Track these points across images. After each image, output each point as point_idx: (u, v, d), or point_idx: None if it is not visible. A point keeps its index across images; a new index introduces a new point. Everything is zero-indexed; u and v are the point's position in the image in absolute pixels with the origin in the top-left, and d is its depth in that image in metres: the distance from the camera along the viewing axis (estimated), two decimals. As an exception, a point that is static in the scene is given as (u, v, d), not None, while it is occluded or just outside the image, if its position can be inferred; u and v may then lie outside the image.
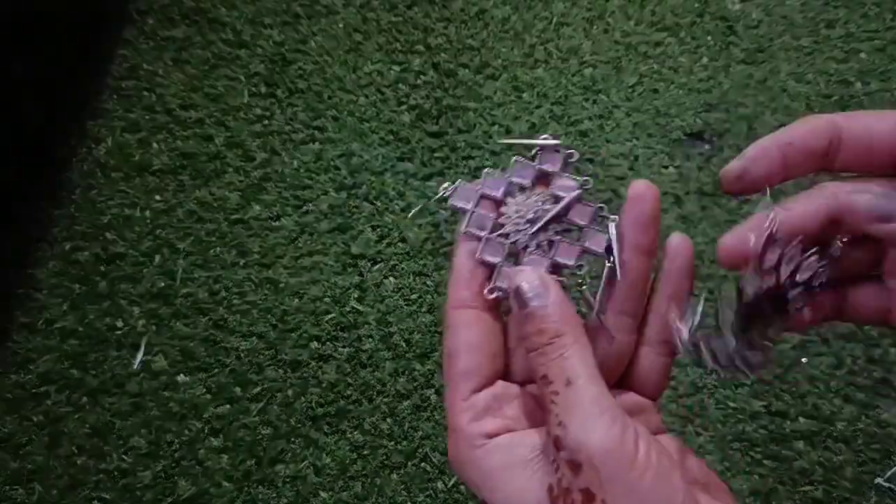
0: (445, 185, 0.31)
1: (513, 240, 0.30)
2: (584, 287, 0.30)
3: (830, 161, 0.29)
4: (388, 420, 0.84)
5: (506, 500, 0.26)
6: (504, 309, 0.30)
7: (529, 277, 0.27)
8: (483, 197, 0.31)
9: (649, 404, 0.31)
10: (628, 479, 0.24)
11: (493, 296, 0.29)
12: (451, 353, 0.29)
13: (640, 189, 0.29)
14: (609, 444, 0.24)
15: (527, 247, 0.30)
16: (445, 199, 0.31)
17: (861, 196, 0.28)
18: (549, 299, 0.27)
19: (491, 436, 0.27)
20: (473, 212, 0.30)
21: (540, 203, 0.30)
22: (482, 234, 0.30)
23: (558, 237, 0.30)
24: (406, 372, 0.86)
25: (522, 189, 0.31)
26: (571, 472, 0.24)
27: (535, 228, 0.30)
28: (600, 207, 0.30)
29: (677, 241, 0.30)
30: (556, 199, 0.30)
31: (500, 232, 0.30)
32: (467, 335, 0.29)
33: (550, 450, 0.26)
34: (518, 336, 0.29)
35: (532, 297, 0.27)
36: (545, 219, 0.30)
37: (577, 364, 0.26)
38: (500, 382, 0.29)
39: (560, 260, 0.30)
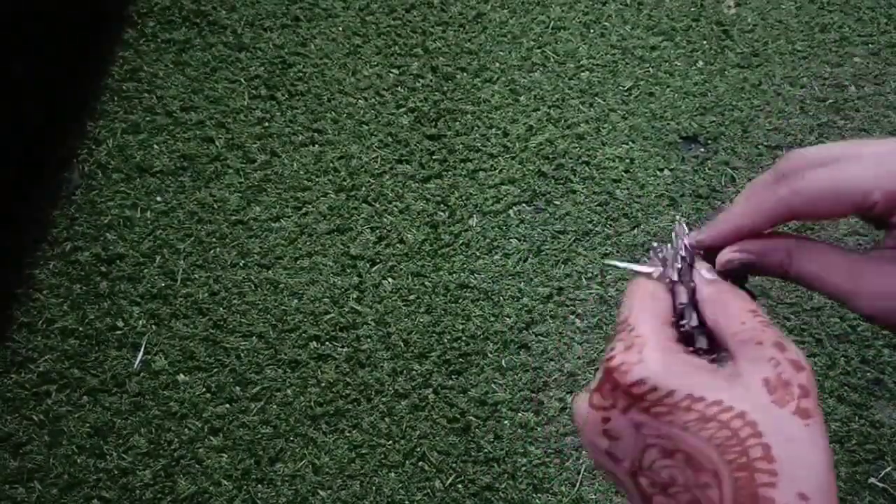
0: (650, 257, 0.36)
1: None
2: None
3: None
4: (387, 419, 0.85)
5: (721, 390, 0.27)
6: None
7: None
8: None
9: None
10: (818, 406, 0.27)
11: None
12: (654, 293, 0.32)
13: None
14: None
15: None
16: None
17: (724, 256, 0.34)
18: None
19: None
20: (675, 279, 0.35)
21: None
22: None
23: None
24: (404, 372, 0.87)
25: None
26: (795, 370, 0.28)
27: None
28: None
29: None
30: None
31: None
32: (666, 292, 0.33)
33: (769, 352, 0.28)
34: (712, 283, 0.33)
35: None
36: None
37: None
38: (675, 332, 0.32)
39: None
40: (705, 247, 0.34)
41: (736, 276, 0.34)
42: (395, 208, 0.96)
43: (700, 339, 0.31)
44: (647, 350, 0.29)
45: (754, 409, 0.27)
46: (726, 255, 0.33)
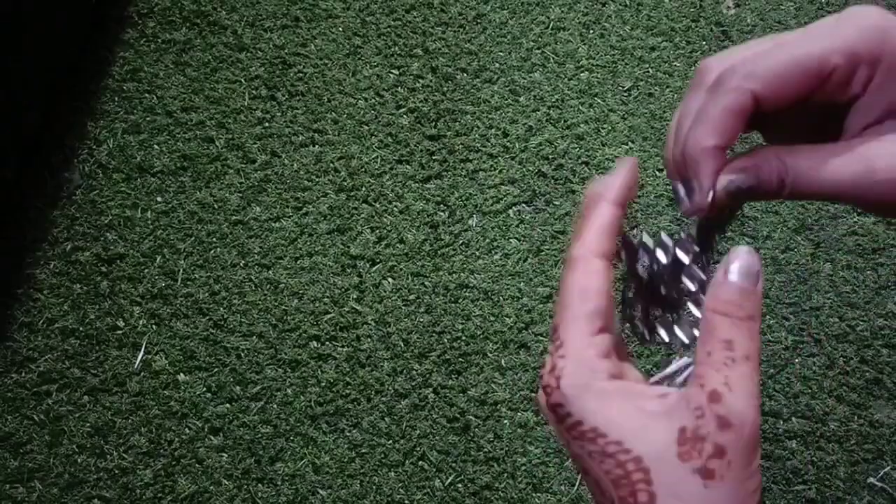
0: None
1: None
2: None
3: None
4: (387, 419, 0.85)
5: (625, 432, 0.27)
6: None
7: (750, 260, 0.29)
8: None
9: None
10: (750, 457, 0.26)
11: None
12: (584, 290, 0.30)
13: None
14: (757, 420, 0.27)
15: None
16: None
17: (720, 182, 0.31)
18: (758, 286, 0.29)
19: (614, 377, 0.28)
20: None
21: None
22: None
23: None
24: (404, 371, 0.87)
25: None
26: (717, 427, 0.26)
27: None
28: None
29: None
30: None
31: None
32: (599, 281, 0.30)
33: (700, 399, 0.27)
34: (713, 297, 0.30)
35: (746, 274, 0.29)
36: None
37: (756, 348, 0.28)
38: (615, 338, 0.30)
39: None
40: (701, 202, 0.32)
41: (732, 208, 0.32)
42: (395, 208, 0.96)
43: (661, 330, 0.31)
44: (565, 377, 0.28)
45: (652, 457, 0.27)
46: (723, 180, 0.31)
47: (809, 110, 0.32)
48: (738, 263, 0.29)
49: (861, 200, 0.29)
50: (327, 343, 0.89)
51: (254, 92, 1.04)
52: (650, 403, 0.28)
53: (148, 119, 1.02)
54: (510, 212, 0.97)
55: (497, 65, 1.07)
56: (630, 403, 0.28)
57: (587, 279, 0.30)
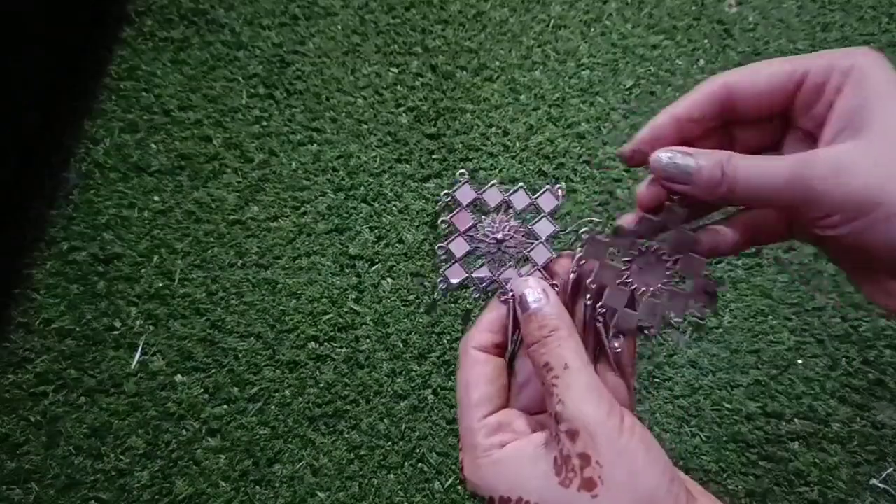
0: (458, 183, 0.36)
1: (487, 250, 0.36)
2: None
3: (727, 118, 0.32)
4: (386, 420, 0.84)
5: (520, 488, 0.29)
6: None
7: (532, 285, 0.33)
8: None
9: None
10: (618, 444, 0.28)
11: (503, 299, 0.35)
12: (469, 384, 0.33)
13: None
14: (600, 416, 0.28)
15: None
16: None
17: (656, 155, 0.32)
18: (549, 302, 0.32)
19: (502, 445, 0.31)
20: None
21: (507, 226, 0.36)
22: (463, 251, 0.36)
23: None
24: (403, 372, 0.87)
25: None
26: (570, 441, 0.28)
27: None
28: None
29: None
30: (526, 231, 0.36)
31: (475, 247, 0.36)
32: (483, 370, 0.33)
33: (552, 426, 0.30)
34: (523, 334, 0.33)
35: (533, 301, 0.32)
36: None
37: (572, 353, 0.31)
38: (507, 409, 0.33)
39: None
40: (637, 150, 0.33)
41: (671, 210, 0.33)
42: (394, 208, 0.96)
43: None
44: (465, 468, 0.32)
45: (547, 497, 0.29)
46: (660, 153, 0.32)
47: (794, 130, 0.33)
48: (522, 297, 0.33)
49: (796, 203, 0.29)
50: (326, 344, 0.88)
51: (252, 90, 1.03)
52: (529, 448, 0.30)
53: (145, 118, 1.01)
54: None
55: (497, 63, 1.06)
56: (518, 459, 0.30)
57: (469, 372, 0.33)
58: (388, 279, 0.92)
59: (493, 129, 1.01)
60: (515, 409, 0.34)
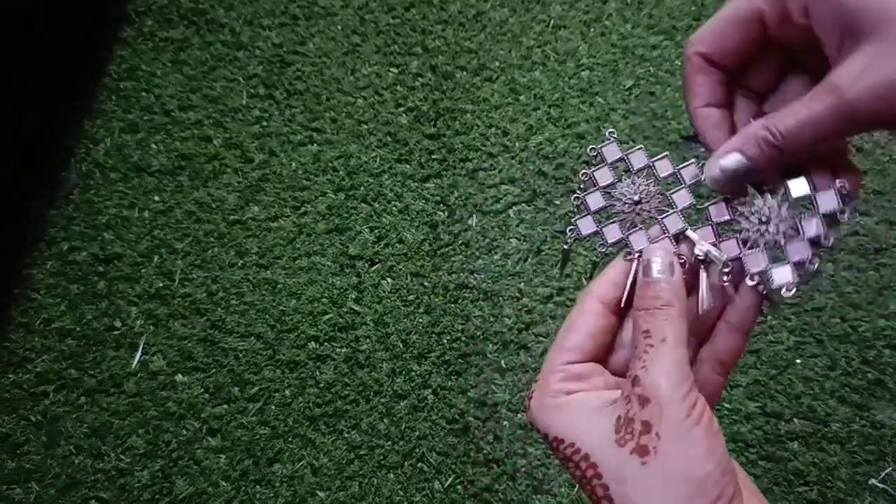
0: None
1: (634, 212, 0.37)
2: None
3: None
4: (385, 420, 0.85)
5: (576, 434, 0.31)
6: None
7: (662, 256, 0.34)
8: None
9: None
10: (681, 425, 0.28)
11: (628, 258, 0.36)
12: (572, 327, 0.34)
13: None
14: (675, 394, 0.29)
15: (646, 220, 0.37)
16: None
17: (709, 173, 0.34)
18: (671, 277, 0.33)
19: (570, 393, 0.32)
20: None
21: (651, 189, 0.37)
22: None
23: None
24: (403, 372, 0.87)
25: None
26: (640, 405, 0.29)
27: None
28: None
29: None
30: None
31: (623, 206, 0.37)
32: (588, 319, 0.34)
33: (627, 387, 0.30)
34: (636, 298, 0.34)
35: (657, 270, 0.33)
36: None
37: (675, 329, 0.31)
38: (593, 364, 0.34)
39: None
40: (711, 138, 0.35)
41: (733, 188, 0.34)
42: (394, 208, 0.96)
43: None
44: (535, 396, 0.33)
45: (598, 450, 0.30)
46: (708, 174, 0.33)
47: (785, 63, 0.34)
48: (648, 263, 0.33)
49: (849, 125, 0.29)
50: (326, 344, 0.88)
51: (252, 91, 1.03)
52: (596, 402, 0.31)
53: (145, 118, 1.01)
54: (510, 211, 0.96)
55: (497, 63, 1.06)
56: (581, 408, 0.31)
57: (579, 317, 0.34)
58: (388, 279, 0.92)
59: (493, 129, 1.01)
60: (601, 367, 0.35)
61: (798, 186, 0.33)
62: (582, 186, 0.37)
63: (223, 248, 0.93)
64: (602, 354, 0.35)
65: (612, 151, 0.37)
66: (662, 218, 0.36)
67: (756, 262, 0.34)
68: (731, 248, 0.34)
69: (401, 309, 0.90)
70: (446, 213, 0.96)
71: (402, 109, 1.02)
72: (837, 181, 0.33)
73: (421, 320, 0.89)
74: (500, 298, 0.91)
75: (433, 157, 0.99)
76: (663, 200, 0.36)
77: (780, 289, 0.33)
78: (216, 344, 0.88)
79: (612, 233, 0.36)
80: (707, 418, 0.29)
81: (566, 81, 1.05)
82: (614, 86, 1.05)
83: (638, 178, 0.36)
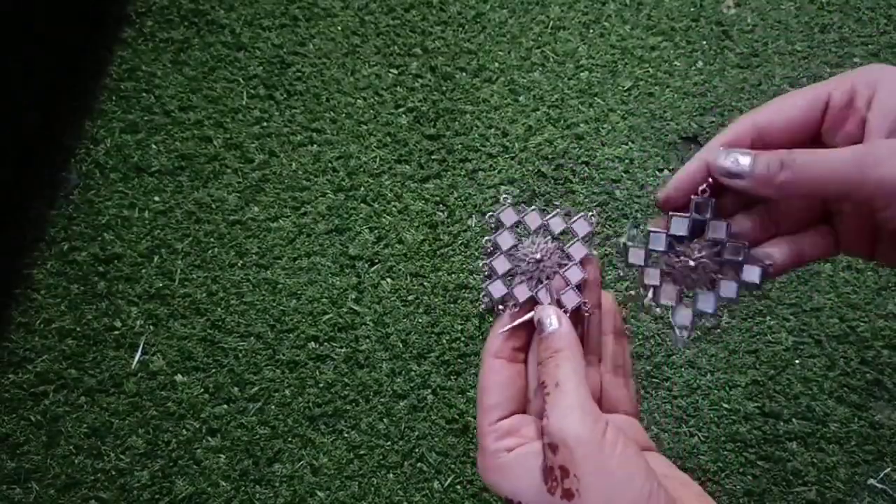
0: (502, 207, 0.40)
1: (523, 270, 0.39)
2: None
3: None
4: (385, 420, 0.85)
5: (517, 488, 0.32)
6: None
7: (550, 313, 0.36)
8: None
9: (635, 422, 0.39)
10: (597, 459, 0.30)
11: (513, 311, 0.38)
12: (484, 389, 0.36)
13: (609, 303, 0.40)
14: (581, 431, 0.30)
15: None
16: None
17: (716, 156, 0.35)
18: (559, 327, 0.35)
19: (510, 450, 0.34)
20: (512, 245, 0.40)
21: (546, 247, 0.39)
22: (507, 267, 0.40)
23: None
24: (403, 372, 0.87)
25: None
26: (553, 452, 0.31)
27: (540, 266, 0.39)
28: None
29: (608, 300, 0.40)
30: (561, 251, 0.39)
31: (514, 267, 0.39)
32: (494, 377, 0.36)
33: (543, 438, 0.32)
34: (537, 352, 0.36)
35: (548, 326, 0.35)
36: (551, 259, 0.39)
37: (566, 373, 0.33)
38: (519, 415, 0.36)
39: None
40: (670, 197, 0.37)
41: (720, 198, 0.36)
42: (393, 208, 0.96)
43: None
44: (479, 462, 0.35)
45: (535, 502, 0.31)
46: (719, 154, 0.34)
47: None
48: (538, 321, 0.35)
49: (853, 191, 0.30)
50: (325, 344, 0.88)
51: (252, 91, 1.03)
52: (530, 455, 0.33)
53: (146, 118, 1.01)
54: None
55: (496, 64, 1.06)
56: (517, 465, 0.33)
57: (485, 377, 0.36)
58: (388, 279, 0.92)
59: (493, 130, 1.01)
60: (528, 415, 0.36)
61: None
62: (488, 251, 0.39)
63: (223, 248, 0.93)
64: (524, 403, 0.37)
65: (509, 216, 0.39)
66: (563, 271, 0.38)
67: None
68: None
69: (400, 309, 0.90)
70: (446, 214, 0.96)
71: (401, 110, 1.03)
72: (767, 259, 0.36)
73: (420, 320, 0.89)
74: (500, 299, 0.91)
75: (433, 157, 1.00)
76: (563, 255, 0.39)
77: (678, 327, 0.36)
78: (216, 344, 0.88)
79: (522, 292, 0.38)
80: (621, 444, 0.30)
81: (565, 82, 1.05)
82: (613, 87, 1.05)
83: (536, 237, 0.39)
